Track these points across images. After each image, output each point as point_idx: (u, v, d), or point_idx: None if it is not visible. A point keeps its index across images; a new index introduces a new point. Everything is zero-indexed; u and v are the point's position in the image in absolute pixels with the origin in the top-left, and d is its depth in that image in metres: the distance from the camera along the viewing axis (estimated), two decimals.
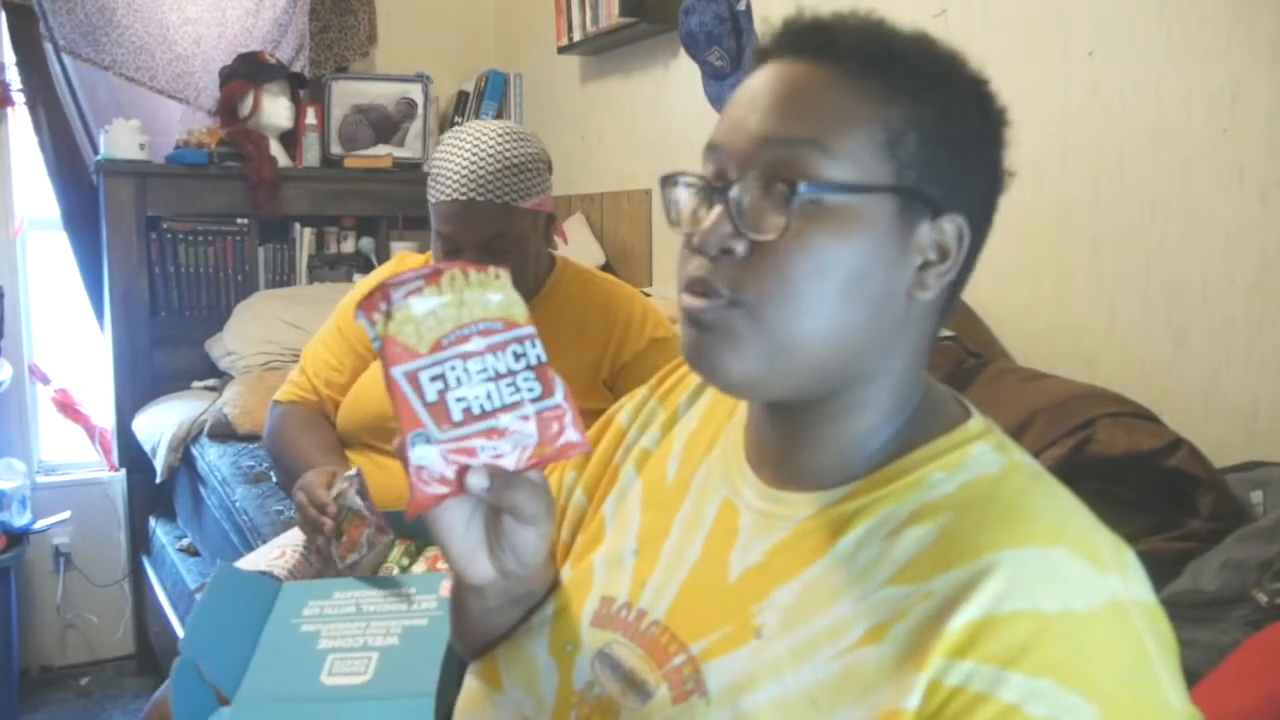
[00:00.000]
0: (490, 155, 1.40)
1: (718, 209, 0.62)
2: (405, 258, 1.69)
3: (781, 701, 0.59)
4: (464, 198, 1.39)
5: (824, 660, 0.59)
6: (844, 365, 0.63)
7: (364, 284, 1.69)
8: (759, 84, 0.65)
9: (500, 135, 1.43)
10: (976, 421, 0.66)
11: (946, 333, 1.66)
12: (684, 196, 0.66)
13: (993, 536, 0.57)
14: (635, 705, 0.66)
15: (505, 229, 1.42)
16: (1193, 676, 0.96)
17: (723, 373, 0.63)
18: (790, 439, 0.68)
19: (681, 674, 0.64)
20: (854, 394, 0.65)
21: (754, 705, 0.60)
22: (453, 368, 0.60)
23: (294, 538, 1.45)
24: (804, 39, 0.64)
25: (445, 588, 0.98)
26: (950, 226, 0.63)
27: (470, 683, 0.78)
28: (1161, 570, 1.16)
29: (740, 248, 0.61)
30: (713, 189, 0.63)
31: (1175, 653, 0.57)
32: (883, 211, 0.61)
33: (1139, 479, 1.26)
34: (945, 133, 0.62)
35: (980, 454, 0.63)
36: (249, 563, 1.43)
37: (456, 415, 0.60)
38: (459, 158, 1.41)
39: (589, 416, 1.64)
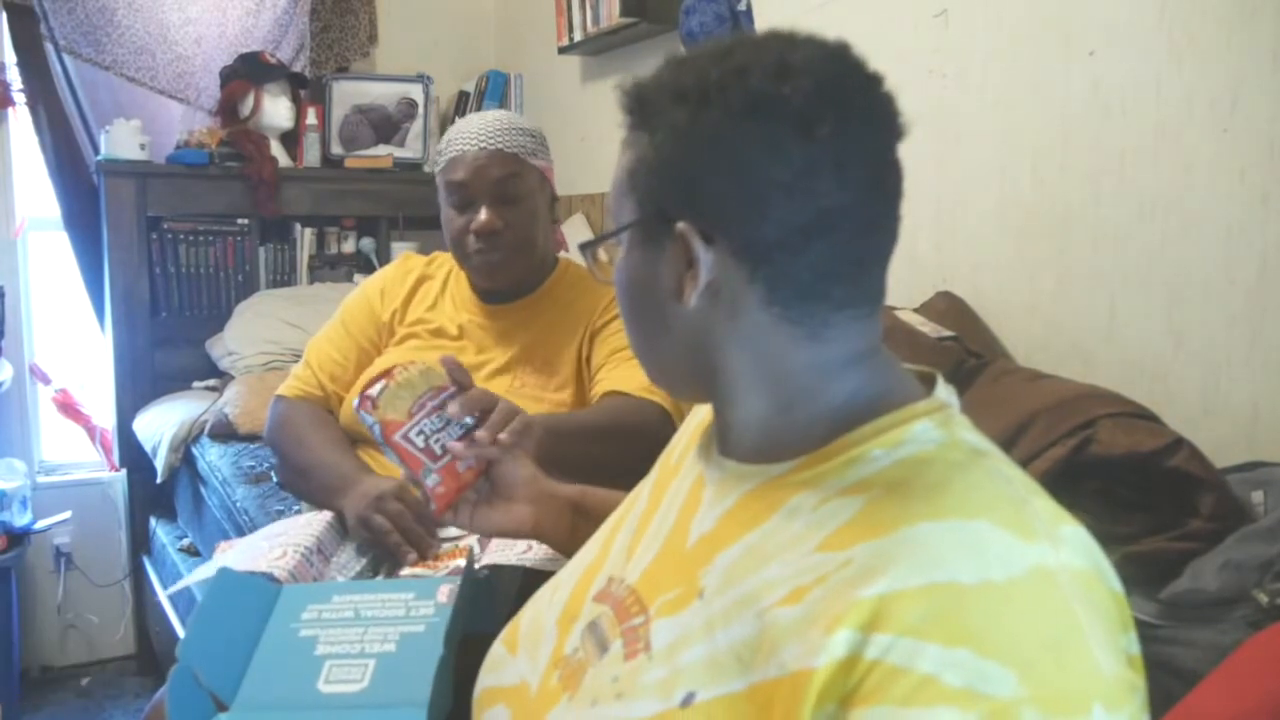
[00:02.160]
0: (499, 119, 1.55)
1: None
2: (409, 258, 1.71)
3: (711, 658, 0.62)
4: (476, 148, 1.52)
5: (749, 618, 0.61)
6: (682, 365, 0.73)
7: (368, 282, 1.70)
8: None
9: (505, 111, 1.60)
10: (929, 401, 0.68)
11: (946, 333, 1.66)
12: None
13: (913, 510, 0.59)
14: (597, 662, 0.71)
15: (517, 171, 1.52)
16: (1193, 676, 0.97)
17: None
18: (716, 419, 0.76)
19: (637, 633, 0.69)
20: (718, 389, 0.72)
21: (689, 661, 0.63)
22: (421, 427, 1.00)
23: (295, 537, 1.44)
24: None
25: (443, 593, 0.98)
26: (686, 237, 0.67)
27: (494, 647, 0.86)
28: (1162, 570, 1.16)
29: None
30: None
31: (1114, 617, 0.58)
32: (632, 243, 0.73)
33: (1139, 479, 1.26)
34: (672, 153, 0.68)
35: (921, 431, 0.65)
36: (246, 552, 1.42)
37: (438, 451, 1.00)
38: (470, 125, 1.55)
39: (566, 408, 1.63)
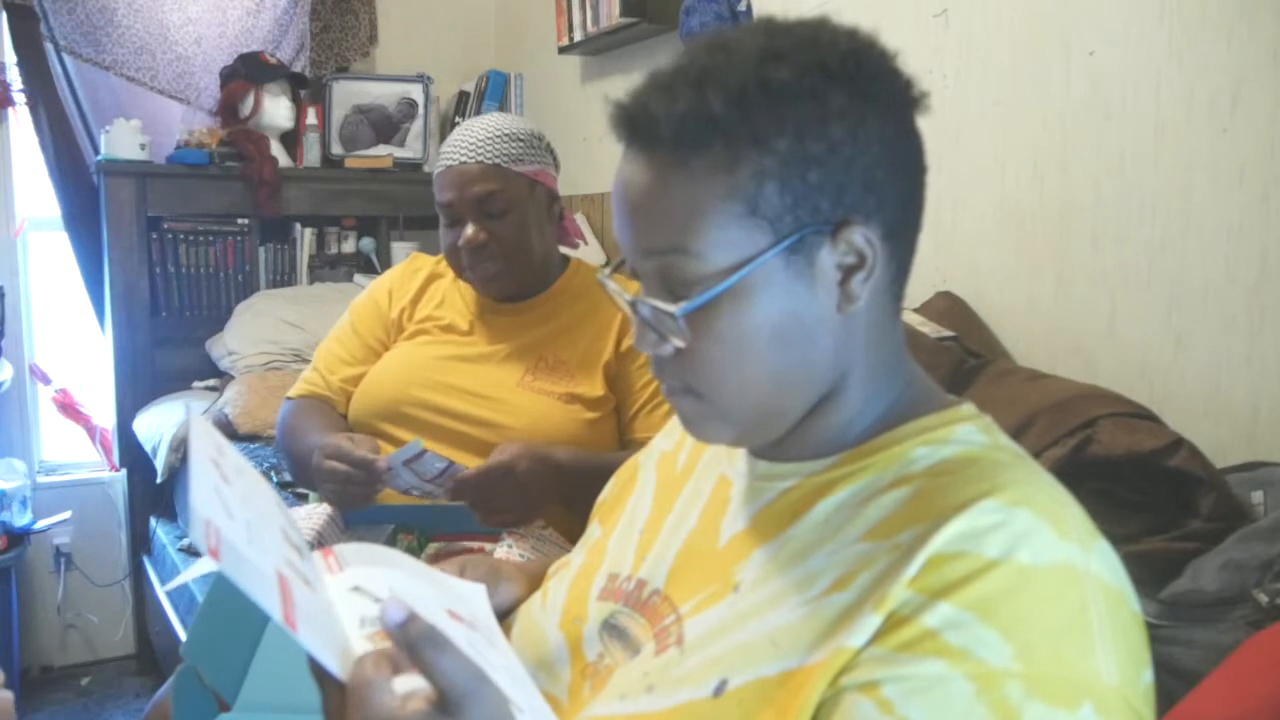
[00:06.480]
0: (483, 128, 1.53)
1: (638, 321, 0.66)
2: (417, 257, 1.73)
3: (744, 644, 0.62)
4: (456, 163, 1.51)
5: (791, 607, 0.62)
6: (809, 394, 0.67)
7: (375, 284, 1.71)
8: (619, 191, 0.66)
9: (497, 116, 1.56)
10: (968, 407, 0.69)
11: (946, 333, 1.66)
12: (618, 300, 0.70)
13: (961, 497, 0.59)
14: (626, 664, 0.71)
15: (498, 188, 1.50)
16: (1193, 676, 0.97)
17: (714, 441, 0.70)
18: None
19: (668, 632, 0.68)
20: (827, 399, 0.68)
21: (720, 650, 0.63)
22: None
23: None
24: (633, 132, 0.65)
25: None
26: (853, 235, 0.63)
27: None
28: (1162, 570, 1.16)
29: (667, 350, 0.65)
30: (630, 303, 0.67)
31: (1137, 641, 0.58)
32: (771, 267, 0.62)
33: (1140, 479, 1.26)
34: (805, 157, 0.61)
35: (965, 433, 0.66)
36: None
37: None
38: (458, 136, 1.54)
39: (594, 404, 1.64)
